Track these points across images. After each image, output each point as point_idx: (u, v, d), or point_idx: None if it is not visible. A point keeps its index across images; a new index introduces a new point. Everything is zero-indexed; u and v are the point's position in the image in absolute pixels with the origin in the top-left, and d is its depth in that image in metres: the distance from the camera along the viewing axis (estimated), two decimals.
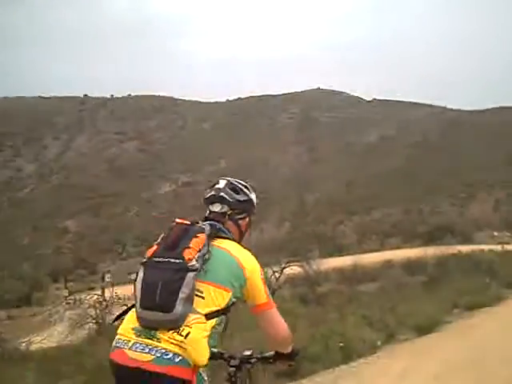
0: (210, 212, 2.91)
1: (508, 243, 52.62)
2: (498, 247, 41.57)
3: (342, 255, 48.32)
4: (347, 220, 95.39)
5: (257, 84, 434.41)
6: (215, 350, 2.73)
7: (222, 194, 2.93)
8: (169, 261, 2.46)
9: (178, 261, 2.45)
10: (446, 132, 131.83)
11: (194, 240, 2.53)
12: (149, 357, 2.32)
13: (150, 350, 2.34)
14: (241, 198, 2.97)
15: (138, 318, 2.45)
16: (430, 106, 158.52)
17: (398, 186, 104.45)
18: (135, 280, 2.52)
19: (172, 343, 2.34)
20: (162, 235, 2.65)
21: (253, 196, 3.08)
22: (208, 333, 2.44)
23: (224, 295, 2.56)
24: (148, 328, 2.41)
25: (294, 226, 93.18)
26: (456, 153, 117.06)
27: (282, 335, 2.82)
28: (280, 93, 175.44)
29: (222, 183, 3.00)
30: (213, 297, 2.53)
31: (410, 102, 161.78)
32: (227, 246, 2.71)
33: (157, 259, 2.51)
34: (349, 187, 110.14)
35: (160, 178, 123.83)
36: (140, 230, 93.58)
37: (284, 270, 27.83)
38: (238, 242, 2.84)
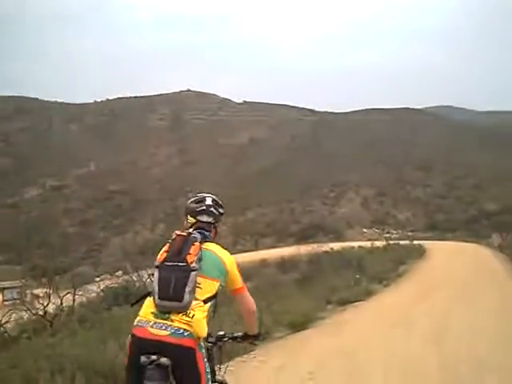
0: (198, 221, 3.98)
1: (377, 239, 54.98)
2: (368, 244, 43.18)
3: None
4: (223, 221, 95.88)
5: (124, 85, 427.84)
6: None
7: (211, 209, 4.05)
8: (177, 264, 3.48)
9: (183, 264, 3.47)
10: (315, 134, 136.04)
11: (192, 247, 3.55)
12: (166, 332, 3.34)
13: (166, 327, 3.37)
14: (222, 211, 4.16)
15: (156, 305, 3.45)
16: (299, 108, 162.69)
17: (270, 187, 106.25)
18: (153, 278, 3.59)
19: (182, 322, 3.37)
20: (167, 244, 3.64)
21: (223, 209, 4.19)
22: (206, 313, 3.50)
23: (214, 284, 3.61)
24: (164, 312, 3.42)
25: (168, 227, 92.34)
26: (325, 154, 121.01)
27: (252, 309, 3.95)
28: (149, 94, 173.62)
29: (208, 200, 4.08)
30: (207, 286, 3.56)
31: (280, 104, 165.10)
32: (212, 248, 3.79)
33: (168, 263, 3.52)
34: (221, 188, 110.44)
35: (25, 182, 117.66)
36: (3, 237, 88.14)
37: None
38: (216, 243, 3.89)
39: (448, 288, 19.48)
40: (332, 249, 35.42)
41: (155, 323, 3.40)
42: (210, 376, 3.59)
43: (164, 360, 3.28)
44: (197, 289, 3.48)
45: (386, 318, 13.47)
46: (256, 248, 61.64)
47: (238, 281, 3.83)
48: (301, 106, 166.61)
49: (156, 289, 3.46)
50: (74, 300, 24.79)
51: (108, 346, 7.93)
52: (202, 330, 3.40)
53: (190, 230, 3.80)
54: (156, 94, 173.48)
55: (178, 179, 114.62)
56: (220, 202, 4.17)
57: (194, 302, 3.43)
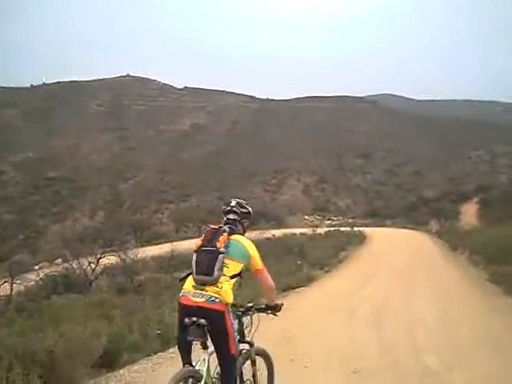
0: (228, 219, 5.09)
1: (318, 226, 55.48)
2: (309, 230, 43.55)
3: (160, 243, 47.86)
4: (163, 208, 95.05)
5: (63, 70, 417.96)
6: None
7: (234, 208, 5.17)
8: (209, 249, 4.65)
9: (213, 249, 4.63)
10: (257, 121, 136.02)
11: (221, 237, 4.72)
12: (202, 299, 4.47)
13: (202, 296, 4.51)
14: (244, 210, 5.21)
15: (195, 279, 4.62)
16: (240, 94, 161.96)
17: (212, 174, 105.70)
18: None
19: (213, 292, 4.49)
20: (203, 235, 4.89)
21: (250, 209, 5.30)
22: (231, 286, 4.62)
23: (238, 265, 4.74)
24: (200, 284, 4.57)
25: (108, 215, 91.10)
26: (267, 141, 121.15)
27: (270, 285, 5.08)
28: (89, 79, 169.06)
29: (233, 202, 5.26)
30: (233, 266, 4.68)
31: (220, 91, 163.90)
32: (239, 238, 4.90)
33: (203, 248, 4.70)
34: (163, 175, 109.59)
35: None
36: None
37: (100, 261, 27.08)
38: (243, 235, 5.05)
39: (387, 274, 19.90)
40: (274, 235, 35.60)
41: (194, 293, 4.57)
42: (238, 336, 4.91)
43: (202, 321, 4.43)
44: (224, 268, 4.63)
45: (327, 303, 13.64)
46: (198, 235, 61.27)
47: (259, 264, 4.93)
48: (242, 92, 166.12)
49: (194, 267, 4.67)
50: (11, 289, 24.21)
51: (47, 335, 7.75)
52: (229, 298, 4.56)
53: (221, 225, 4.97)
54: (95, 79, 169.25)
55: (118, 165, 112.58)
56: (243, 204, 5.28)
57: (222, 277, 4.57)
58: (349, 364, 7.83)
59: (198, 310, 4.47)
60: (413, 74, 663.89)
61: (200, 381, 4.55)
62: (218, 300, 4.49)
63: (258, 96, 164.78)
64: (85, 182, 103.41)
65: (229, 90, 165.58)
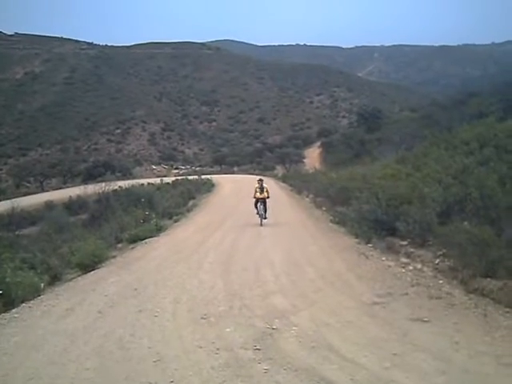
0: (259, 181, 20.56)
1: (166, 176, 55.24)
2: (157, 180, 43.21)
3: None
4: (1, 163, 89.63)
5: None
6: None
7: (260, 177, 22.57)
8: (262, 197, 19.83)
9: (264, 196, 19.89)
10: (96, 68, 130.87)
11: (265, 187, 20.11)
12: (262, 195, 19.78)
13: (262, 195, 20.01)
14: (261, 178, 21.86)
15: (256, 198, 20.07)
16: (77, 41, 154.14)
17: (52, 125, 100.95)
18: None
19: (264, 193, 19.90)
20: (256, 186, 20.20)
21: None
22: (267, 196, 20.06)
23: (266, 195, 19.80)
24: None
25: None
26: (108, 89, 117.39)
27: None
28: None
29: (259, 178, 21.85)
30: (265, 194, 19.85)
31: (56, 37, 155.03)
32: (265, 186, 20.33)
33: (257, 197, 19.80)
34: None
35: None
36: None
37: None
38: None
39: (235, 220, 20.51)
40: (121, 187, 34.94)
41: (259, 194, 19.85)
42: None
43: (261, 201, 19.53)
44: (265, 193, 19.81)
45: (177, 252, 13.70)
46: (42, 190, 58.79)
47: (268, 195, 19.85)
48: (80, 39, 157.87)
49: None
50: None
51: None
52: (267, 196, 19.72)
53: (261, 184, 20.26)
54: None
55: None
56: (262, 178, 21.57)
57: (266, 194, 19.74)
58: (198, 311, 7.96)
59: (261, 199, 19.46)
60: (252, 20, 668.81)
61: None
62: (266, 196, 19.75)
63: (96, 42, 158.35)
64: None
65: (66, 37, 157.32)
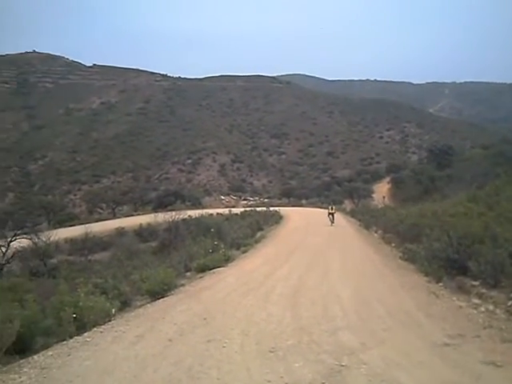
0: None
1: (234, 206, 55.63)
2: (226, 211, 43.61)
3: (73, 225, 46.80)
4: (76, 189, 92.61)
5: None
6: None
7: None
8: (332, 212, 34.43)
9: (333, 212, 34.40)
10: (169, 100, 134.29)
11: (334, 207, 34.47)
12: (332, 211, 33.30)
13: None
14: None
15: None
16: (151, 73, 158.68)
17: (125, 153, 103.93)
18: None
19: (333, 211, 33.81)
20: (329, 208, 34.92)
21: None
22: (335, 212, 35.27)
23: (334, 211, 33.77)
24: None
25: (18, 196, 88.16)
26: (180, 120, 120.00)
27: None
28: None
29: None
30: (333, 210, 33.92)
31: (131, 69, 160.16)
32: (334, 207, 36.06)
33: (329, 211, 34.55)
34: (74, 155, 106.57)
35: None
36: None
37: (11, 244, 26.36)
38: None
39: (303, 253, 20.22)
40: (190, 216, 35.45)
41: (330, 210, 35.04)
42: None
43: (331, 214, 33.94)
44: (333, 210, 34.60)
45: (244, 283, 13.70)
46: (113, 217, 60.25)
47: (335, 212, 34.01)
48: (154, 71, 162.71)
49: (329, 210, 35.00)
50: None
51: None
52: (334, 212, 33.92)
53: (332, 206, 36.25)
54: None
55: (27, 145, 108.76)
56: None
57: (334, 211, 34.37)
58: (266, 344, 7.89)
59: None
60: (323, 55, 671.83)
61: None
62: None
63: (170, 74, 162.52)
64: None
65: (141, 69, 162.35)
